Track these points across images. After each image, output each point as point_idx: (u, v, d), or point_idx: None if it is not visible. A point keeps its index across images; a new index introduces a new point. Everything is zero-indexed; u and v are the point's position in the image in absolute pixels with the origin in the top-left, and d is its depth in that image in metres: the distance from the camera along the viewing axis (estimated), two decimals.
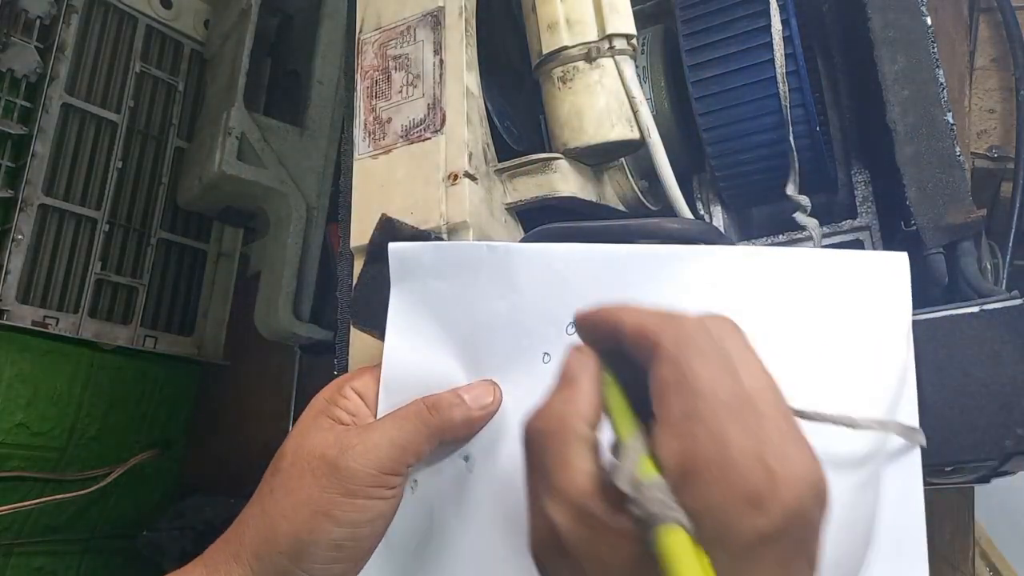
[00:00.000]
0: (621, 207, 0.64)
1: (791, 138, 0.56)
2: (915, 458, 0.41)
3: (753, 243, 0.63)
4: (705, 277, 0.42)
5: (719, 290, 0.41)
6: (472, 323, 0.44)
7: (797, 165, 0.57)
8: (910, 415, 0.41)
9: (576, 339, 0.37)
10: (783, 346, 0.41)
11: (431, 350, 0.45)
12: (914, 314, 0.49)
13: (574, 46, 0.56)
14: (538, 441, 0.33)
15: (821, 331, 0.42)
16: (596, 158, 0.60)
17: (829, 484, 0.29)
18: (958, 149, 0.52)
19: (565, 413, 0.33)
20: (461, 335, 0.45)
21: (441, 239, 0.52)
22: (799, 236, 0.62)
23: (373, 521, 0.43)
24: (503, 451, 0.43)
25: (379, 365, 0.46)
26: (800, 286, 0.42)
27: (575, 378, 0.35)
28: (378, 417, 0.45)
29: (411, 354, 0.45)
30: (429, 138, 0.55)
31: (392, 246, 0.45)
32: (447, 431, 0.43)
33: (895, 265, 0.43)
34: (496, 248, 0.44)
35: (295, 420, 1.12)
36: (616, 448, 0.32)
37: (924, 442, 0.42)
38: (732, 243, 0.57)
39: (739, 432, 0.28)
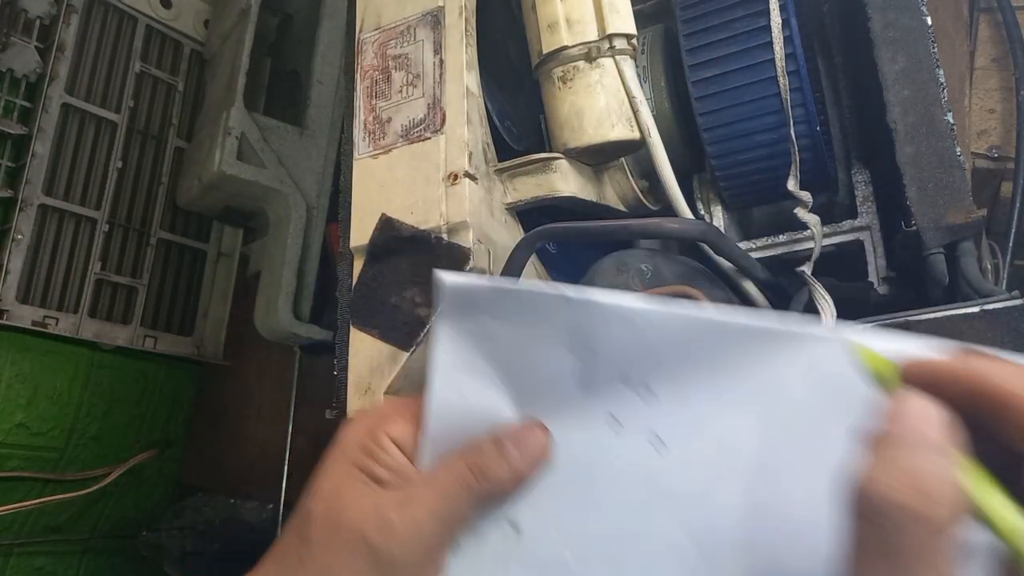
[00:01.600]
0: (621, 207, 0.64)
1: (792, 131, 0.56)
2: None
3: (753, 243, 0.63)
4: (818, 369, 0.35)
5: (832, 380, 0.35)
6: (532, 373, 0.40)
7: (798, 159, 0.57)
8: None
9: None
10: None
11: (481, 398, 0.40)
12: (914, 314, 0.49)
13: (574, 46, 0.56)
14: (893, 518, 0.24)
15: None
16: (596, 158, 0.60)
17: None
18: (958, 149, 0.52)
19: (932, 489, 0.24)
20: (518, 385, 0.40)
21: (441, 239, 0.52)
22: (799, 236, 0.62)
23: None
24: (554, 516, 0.39)
25: (415, 404, 0.42)
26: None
27: (925, 438, 0.26)
28: (419, 468, 0.40)
29: (458, 400, 0.40)
30: (429, 138, 0.55)
31: (447, 279, 0.39)
32: (496, 495, 0.39)
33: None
34: (576, 301, 0.38)
35: (295, 420, 1.13)
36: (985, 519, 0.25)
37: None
38: (735, 244, 0.57)
39: None
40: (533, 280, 0.42)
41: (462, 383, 0.40)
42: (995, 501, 0.25)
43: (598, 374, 0.38)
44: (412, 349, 0.52)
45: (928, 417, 0.26)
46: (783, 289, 0.61)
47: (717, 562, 0.36)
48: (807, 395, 0.34)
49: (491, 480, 0.38)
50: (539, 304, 0.39)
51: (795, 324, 0.35)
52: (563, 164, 0.57)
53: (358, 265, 0.55)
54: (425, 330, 0.52)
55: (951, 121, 0.52)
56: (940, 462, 0.25)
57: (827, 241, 0.61)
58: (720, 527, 0.36)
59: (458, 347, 0.40)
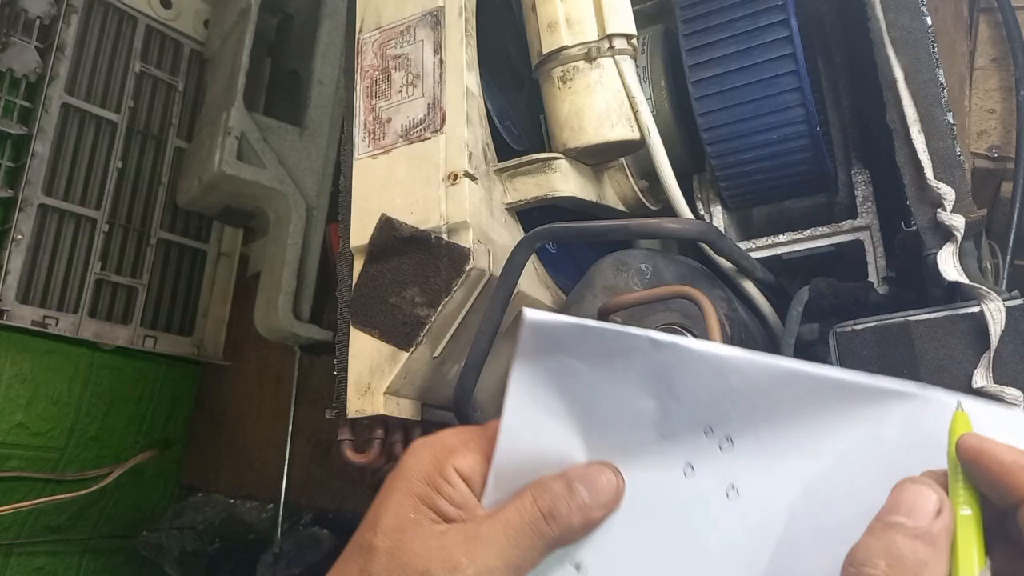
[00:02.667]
0: (621, 207, 0.64)
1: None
2: None
3: (753, 243, 0.63)
4: (901, 426, 0.35)
5: (930, 442, 0.35)
6: (608, 414, 0.39)
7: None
8: None
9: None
10: None
11: (553, 436, 0.40)
12: (914, 314, 0.49)
13: (574, 46, 0.56)
14: None
15: None
16: (596, 158, 0.60)
17: None
18: (958, 149, 0.52)
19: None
20: (591, 424, 0.40)
21: (441, 239, 0.52)
22: (800, 236, 0.61)
23: None
24: (619, 559, 0.39)
25: (483, 435, 0.41)
26: None
27: (940, 537, 0.29)
28: (485, 504, 0.39)
29: (530, 437, 0.40)
30: (429, 138, 0.55)
31: (529, 316, 0.39)
32: (566, 539, 0.38)
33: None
34: (662, 344, 0.38)
35: (295, 420, 1.13)
36: None
37: None
38: (735, 244, 0.57)
39: None
40: (615, 323, 0.41)
41: (535, 420, 0.40)
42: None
43: (678, 420, 0.38)
44: (412, 350, 0.52)
45: (924, 505, 0.30)
46: (783, 289, 0.61)
47: None
48: (901, 451, 0.34)
49: (561, 525, 0.38)
50: (623, 345, 0.38)
51: (895, 382, 0.35)
52: (563, 164, 0.57)
53: (358, 265, 0.55)
54: (425, 330, 0.52)
55: (951, 121, 0.52)
56: (922, 552, 0.28)
57: (827, 241, 0.61)
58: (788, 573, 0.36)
59: (534, 384, 0.40)
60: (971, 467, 0.31)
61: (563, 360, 0.39)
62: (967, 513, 0.30)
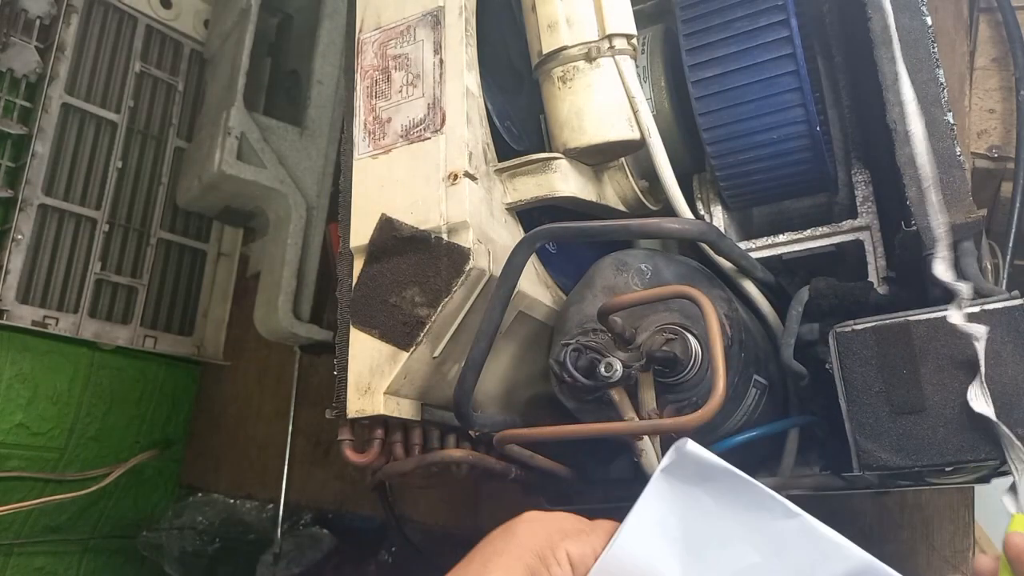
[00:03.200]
0: (621, 207, 0.64)
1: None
2: None
3: (753, 243, 0.63)
4: None
5: None
6: (717, 555, 0.42)
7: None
8: None
9: None
10: None
11: (662, 558, 0.43)
12: (915, 314, 0.49)
13: (574, 46, 0.56)
14: None
15: None
16: (596, 158, 0.60)
17: None
18: (958, 149, 0.52)
19: None
20: (700, 558, 0.43)
21: (441, 239, 0.52)
22: (800, 236, 0.61)
23: None
24: None
25: (598, 528, 0.44)
26: None
27: None
28: None
29: (642, 552, 0.43)
30: (429, 138, 0.55)
31: (689, 446, 0.43)
32: None
33: None
34: (794, 513, 0.42)
35: (294, 420, 1.12)
36: None
37: None
38: (735, 244, 0.57)
39: None
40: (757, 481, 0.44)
41: (652, 537, 0.43)
42: None
43: (772, 574, 0.42)
44: (412, 350, 0.52)
45: None
46: (783, 289, 0.61)
47: None
48: None
49: None
50: (758, 501, 0.42)
51: None
52: (563, 164, 0.57)
53: (358, 265, 0.55)
54: (424, 330, 0.52)
55: (951, 121, 0.52)
56: None
57: (827, 241, 0.61)
58: None
59: (665, 504, 0.43)
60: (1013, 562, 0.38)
61: (700, 494, 0.43)
62: None
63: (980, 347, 0.46)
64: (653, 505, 0.43)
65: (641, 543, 0.42)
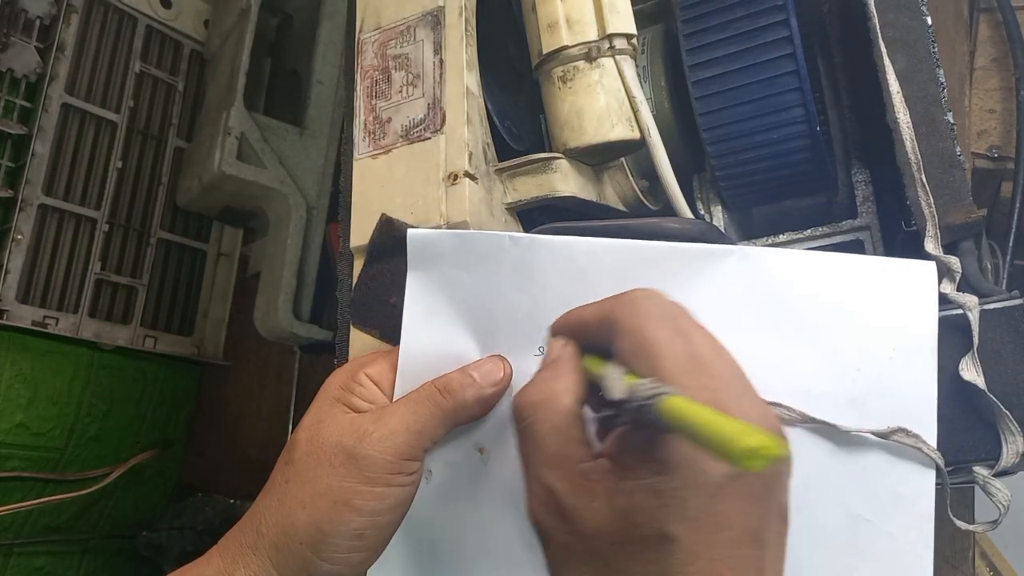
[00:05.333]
0: (621, 207, 0.64)
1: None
2: (928, 476, 0.42)
3: (753, 243, 0.63)
4: (729, 277, 0.42)
5: (742, 291, 0.42)
6: (490, 313, 0.45)
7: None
8: (928, 429, 0.41)
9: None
10: (801, 350, 0.41)
11: (448, 338, 0.45)
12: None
13: (574, 46, 0.56)
14: (529, 413, 0.36)
15: (842, 337, 0.42)
16: (596, 158, 0.60)
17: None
18: (958, 149, 0.52)
19: (553, 387, 0.36)
20: (479, 324, 0.45)
21: None
22: (799, 236, 0.61)
23: (393, 509, 0.42)
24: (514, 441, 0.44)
25: (392, 350, 0.46)
26: (825, 291, 0.42)
27: (558, 359, 0.38)
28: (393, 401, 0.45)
29: (427, 340, 0.45)
30: (429, 138, 0.55)
31: (411, 232, 0.46)
32: (461, 412, 0.43)
33: (923, 275, 0.42)
34: (519, 240, 0.44)
35: (295, 420, 1.12)
36: (601, 382, 0.35)
37: (940, 460, 0.42)
38: (733, 243, 0.57)
39: (697, 387, 0.31)
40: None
41: (430, 327, 0.45)
42: (598, 364, 0.36)
43: (545, 307, 0.44)
44: None
45: (562, 345, 0.40)
46: None
47: None
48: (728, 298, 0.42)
49: (457, 398, 0.43)
50: (491, 247, 0.44)
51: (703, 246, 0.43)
52: (563, 164, 0.57)
53: (358, 265, 0.55)
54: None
55: (951, 121, 0.52)
56: (557, 373, 0.37)
57: (827, 241, 0.61)
58: None
59: (426, 295, 0.45)
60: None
61: (446, 270, 0.45)
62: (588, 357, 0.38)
63: (973, 317, 0.46)
64: (418, 300, 0.45)
65: (426, 336, 0.45)
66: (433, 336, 0.45)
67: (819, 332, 0.42)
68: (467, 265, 0.45)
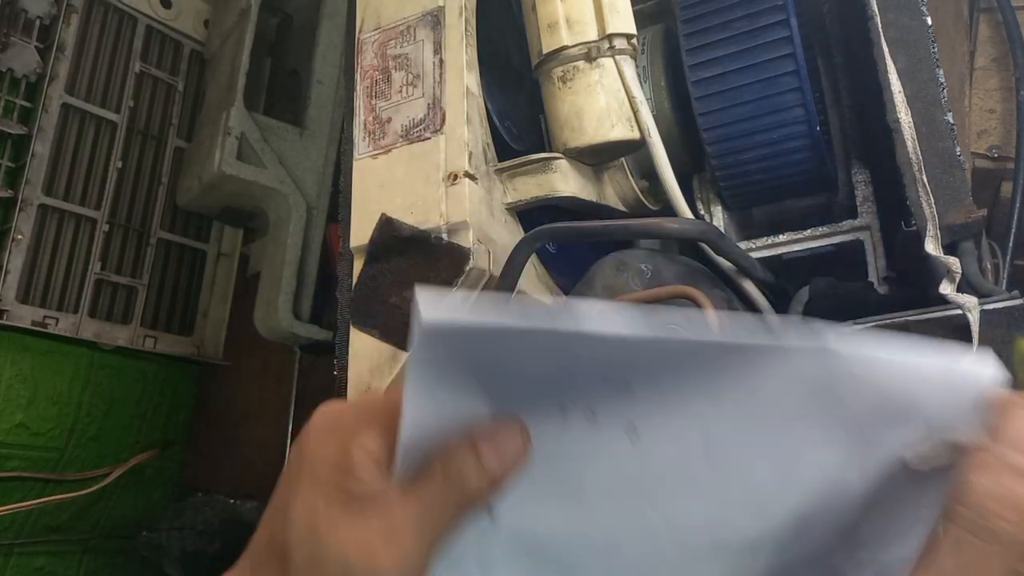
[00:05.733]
0: (621, 207, 0.64)
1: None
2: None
3: (753, 243, 0.63)
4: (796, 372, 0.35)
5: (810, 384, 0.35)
6: (508, 372, 0.38)
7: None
8: None
9: None
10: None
11: (457, 398, 0.39)
12: (914, 314, 0.49)
13: (574, 46, 0.56)
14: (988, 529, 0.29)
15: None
16: (596, 158, 0.60)
17: None
18: (958, 149, 0.52)
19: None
20: (494, 378, 0.38)
21: (441, 239, 0.52)
22: (800, 236, 0.61)
23: None
24: (530, 503, 0.40)
25: (383, 407, 0.39)
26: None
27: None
28: (396, 479, 0.38)
29: (434, 405, 0.38)
30: (429, 138, 0.55)
31: (426, 314, 0.33)
32: (478, 502, 0.38)
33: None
34: (563, 333, 0.35)
35: (295, 420, 1.12)
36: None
37: None
38: (735, 244, 0.57)
39: None
40: (522, 303, 0.39)
41: (437, 388, 0.38)
42: None
43: (577, 372, 0.38)
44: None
45: None
46: (783, 289, 0.61)
47: (688, 543, 0.38)
48: (785, 398, 0.36)
49: (472, 495, 0.38)
50: (528, 337, 0.36)
51: (769, 336, 0.34)
52: (563, 164, 0.57)
53: (358, 265, 0.55)
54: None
55: (951, 121, 0.52)
56: None
57: (827, 241, 0.61)
58: (690, 511, 0.38)
59: (434, 355, 0.37)
60: None
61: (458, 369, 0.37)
62: None
63: (973, 317, 0.46)
64: (422, 360, 0.36)
65: (431, 398, 0.37)
66: (440, 399, 0.38)
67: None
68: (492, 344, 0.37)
